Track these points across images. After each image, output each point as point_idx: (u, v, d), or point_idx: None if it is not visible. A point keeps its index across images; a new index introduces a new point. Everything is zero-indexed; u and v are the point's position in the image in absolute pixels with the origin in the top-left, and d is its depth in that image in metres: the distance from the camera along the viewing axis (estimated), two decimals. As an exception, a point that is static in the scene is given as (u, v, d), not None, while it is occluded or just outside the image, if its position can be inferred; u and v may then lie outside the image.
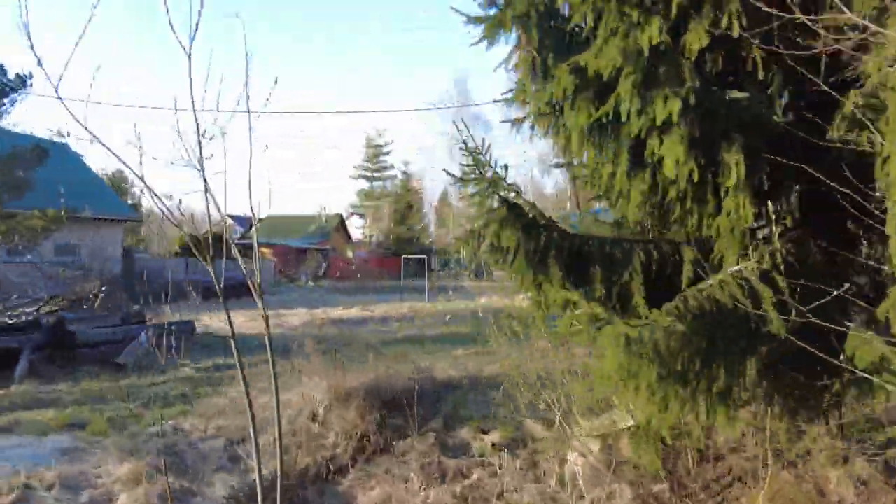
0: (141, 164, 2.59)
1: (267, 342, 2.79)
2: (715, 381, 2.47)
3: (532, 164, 46.39)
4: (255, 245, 2.83)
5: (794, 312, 2.63)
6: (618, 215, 4.21)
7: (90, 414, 5.70)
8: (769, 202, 2.81)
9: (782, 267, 2.76)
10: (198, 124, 2.66)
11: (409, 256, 32.83)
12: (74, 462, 4.28)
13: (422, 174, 51.76)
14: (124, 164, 2.55)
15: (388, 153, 49.51)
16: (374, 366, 5.84)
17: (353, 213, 52.68)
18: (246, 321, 13.23)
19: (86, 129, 2.50)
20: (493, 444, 4.73)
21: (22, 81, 8.52)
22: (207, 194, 2.70)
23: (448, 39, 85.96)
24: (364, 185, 51.18)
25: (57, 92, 2.43)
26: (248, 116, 2.82)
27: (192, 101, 2.62)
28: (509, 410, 5.90)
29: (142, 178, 2.60)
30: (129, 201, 29.93)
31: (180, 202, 2.88)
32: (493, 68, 3.19)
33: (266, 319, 2.76)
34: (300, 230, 41.08)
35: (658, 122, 2.50)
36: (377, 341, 10.42)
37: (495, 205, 3.06)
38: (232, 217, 56.75)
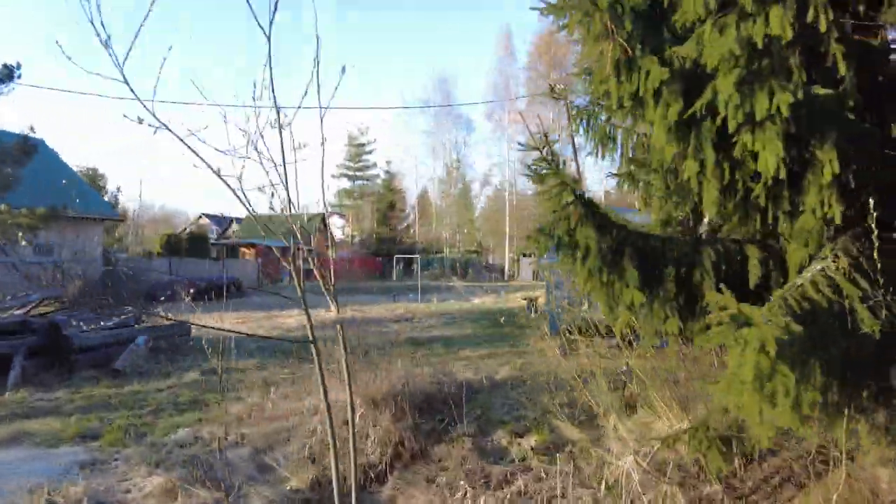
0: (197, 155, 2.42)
1: (341, 339, 2.63)
2: (814, 384, 2.40)
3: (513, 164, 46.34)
4: (329, 238, 2.65)
5: (883, 311, 2.59)
6: (659, 216, 4.17)
7: (98, 423, 5.42)
8: (854, 200, 2.76)
9: (867, 266, 2.72)
10: (278, 112, 2.50)
11: (401, 256, 32.58)
12: (97, 475, 4.02)
13: (403, 173, 51.57)
14: (196, 154, 2.36)
15: (370, 152, 49.12)
16: (400, 369, 5.66)
17: (332, 213, 52.12)
18: (238, 322, 12.92)
19: (153, 115, 2.32)
20: (532, 449, 4.62)
21: (9, 73, 8.05)
22: (285, 187, 2.54)
23: (429, 39, 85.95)
24: (346, 183, 50.68)
25: (123, 76, 2.24)
26: (319, 108, 2.66)
27: (272, 87, 2.46)
28: (537, 412, 5.85)
29: (217, 172, 2.42)
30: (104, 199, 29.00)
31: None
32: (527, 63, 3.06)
33: (336, 309, 2.60)
34: (277, 230, 40.37)
35: (758, 118, 2.42)
36: (380, 343, 10.24)
37: (570, 201, 2.94)
38: (208, 216, 55.75)
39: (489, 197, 50.75)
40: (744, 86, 2.32)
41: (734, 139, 2.69)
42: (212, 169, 2.35)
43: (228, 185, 2.39)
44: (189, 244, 24.78)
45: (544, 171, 3.00)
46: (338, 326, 2.64)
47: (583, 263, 3.01)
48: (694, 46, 2.41)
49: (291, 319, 13.63)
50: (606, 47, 2.65)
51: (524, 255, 40.63)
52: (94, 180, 30.67)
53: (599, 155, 4.68)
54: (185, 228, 47.83)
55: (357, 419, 4.63)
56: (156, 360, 8.42)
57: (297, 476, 4.17)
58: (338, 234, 49.04)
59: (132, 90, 2.23)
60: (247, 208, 2.49)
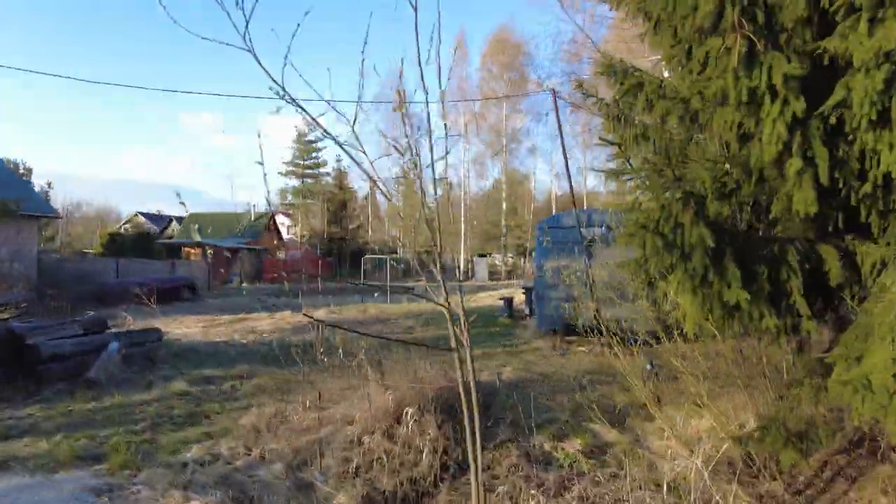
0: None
1: (453, 336, 2.40)
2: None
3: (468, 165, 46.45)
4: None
5: None
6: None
7: (90, 442, 4.86)
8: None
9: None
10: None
11: (372, 257, 31.96)
12: (120, 504, 3.57)
13: (354, 172, 50.65)
14: (340, 150, 2.07)
15: (320, 149, 47.89)
16: (431, 370, 5.41)
17: (279, 212, 50.45)
18: (207, 327, 12.17)
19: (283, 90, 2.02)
20: (581, 452, 4.52)
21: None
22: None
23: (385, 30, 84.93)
24: (295, 182, 49.13)
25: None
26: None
27: (419, 59, 2.24)
28: (566, 414, 5.77)
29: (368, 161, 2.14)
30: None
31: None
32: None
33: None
34: (226, 229, 38.72)
35: (894, 116, 2.40)
36: (371, 346, 9.88)
37: (678, 197, 2.84)
38: (144, 215, 52.66)
39: (443, 197, 50.77)
40: (891, 84, 2.29)
41: (850, 137, 2.68)
42: (342, 146, 2.07)
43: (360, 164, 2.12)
44: (133, 243, 23.18)
45: (644, 168, 2.88)
46: (453, 325, 2.40)
47: (685, 262, 2.92)
48: (839, 41, 2.37)
49: (264, 322, 12.98)
50: (731, 41, 2.56)
51: (480, 256, 40.90)
52: (19, 174, 28.13)
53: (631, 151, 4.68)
54: (120, 227, 44.98)
55: (410, 427, 4.38)
56: (130, 368, 7.74)
57: (345, 492, 3.88)
58: (286, 234, 47.51)
59: (260, 63, 1.93)
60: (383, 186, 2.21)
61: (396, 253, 48.99)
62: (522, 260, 45.00)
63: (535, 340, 9.82)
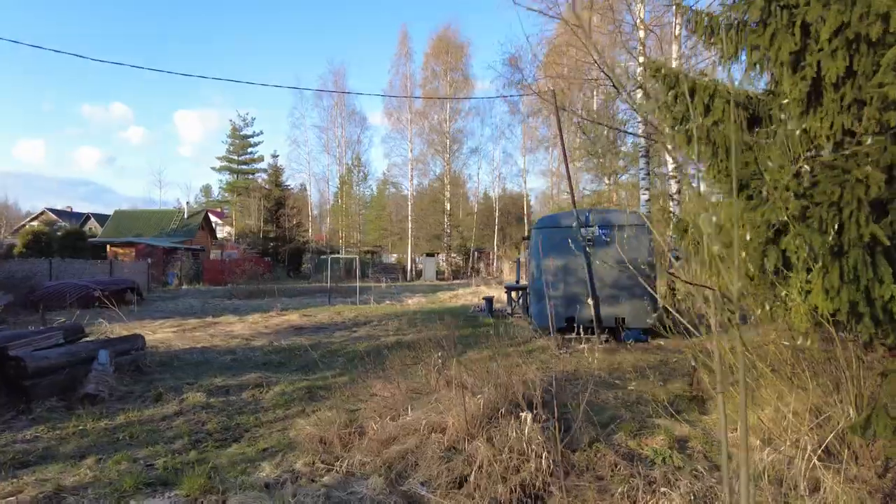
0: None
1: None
2: None
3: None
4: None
5: None
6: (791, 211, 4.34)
7: (132, 465, 4.31)
8: None
9: None
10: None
11: (338, 257, 30.90)
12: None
13: (295, 169, 48.90)
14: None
15: (256, 144, 45.76)
16: (497, 370, 5.26)
17: (213, 210, 47.70)
18: (178, 332, 11.25)
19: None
20: (670, 448, 4.55)
21: None
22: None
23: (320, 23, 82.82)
24: (229, 178, 46.60)
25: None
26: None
27: None
28: (624, 411, 5.80)
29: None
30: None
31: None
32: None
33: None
34: (156, 227, 36.17)
35: None
36: (370, 348, 9.53)
37: (852, 196, 2.91)
38: (53, 211, 48.07)
39: (389, 196, 50.14)
40: None
41: None
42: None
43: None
44: (61, 242, 21.06)
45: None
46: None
47: (839, 259, 2.99)
48: None
49: (237, 326, 12.17)
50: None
51: (428, 255, 40.74)
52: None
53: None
54: (24, 224, 40.69)
55: (509, 430, 4.21)
56: (122, 379, 6.99)
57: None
58: (220, 233, 45.03)
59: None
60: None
61: (338, 253, 47.93)
62: (468, 260, 45.38)
63: (535, 339, 9.86)
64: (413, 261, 42.76)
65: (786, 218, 3.55)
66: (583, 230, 9.92)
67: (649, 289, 8.89)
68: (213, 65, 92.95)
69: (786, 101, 4.20)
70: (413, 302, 18.10)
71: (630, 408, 5.78)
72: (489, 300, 14.05)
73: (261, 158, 46.60)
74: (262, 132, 50.08)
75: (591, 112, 22.25)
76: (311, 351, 9.31)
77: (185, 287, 26.08)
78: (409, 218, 40.67)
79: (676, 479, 4.07)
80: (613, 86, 12.02)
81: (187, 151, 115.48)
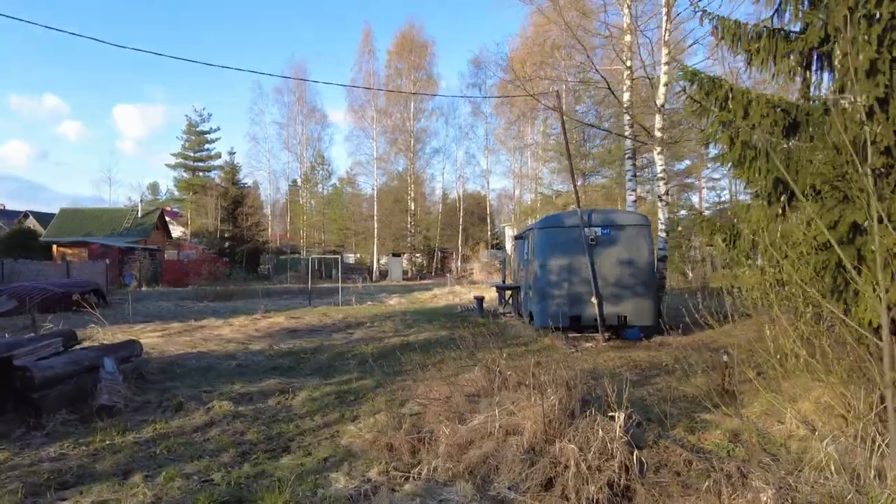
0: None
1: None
2: None
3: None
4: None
5: None
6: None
7: (187, 482, 4.02)
8: None
9: None
10: None
11: (320, 257, 30.03)
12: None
13: (254, 166, 47.35)
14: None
15: (213, 141, 44.05)
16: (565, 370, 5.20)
17: (167, 209, 45.59)
18: (164, 338, 10.65)
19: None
20: (731, 442, 4.65)
21: None
22: None
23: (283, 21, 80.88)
24: (184, 175, 44.60)
25: None
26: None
27: None
28: (671, 407, 5.87)
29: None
30: None
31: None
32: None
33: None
34: (107, 227, 34.26)
35: None
36: (377, 350, 9.32)
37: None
38: (-14, 208, 44.72)
39: (347, 195, 49.35)
40: None
41: None
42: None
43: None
44: (9, 242, 19.59)
45: None
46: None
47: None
48: None
49: (224, 330, 11.64)
50: None
51: (394, 255, 40.39)
52: None
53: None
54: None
55: (587, 428, 4.18)
56: (130, 389, 6.53)
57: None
58: (175, 232, 43.11)
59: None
60: None
61: (299, 253, 46.82)
62: (432, 260, 45.29)
63: (540, 339, 9.91)
64: (377, 261, 42.31)
65: (864, 219, 3.69)
66: (586, 230, 10.04)
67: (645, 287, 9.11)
68: (166, 61, 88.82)
69: (847, 106, 4.37)
70: (394, 302, 17.88)
71: (673, 403, 5.87)
72: (480, 300, 14.03)
73: (218, 155, 44.98)
74: (219, 128, 48.45)
75: (570, 113, 22.58)
76: (317, 354, 9.03)
77: (144, 289, 24.79)
78: (375, 217, 40.19)
79: (747, 472, 4.16)
80: (608, 88, 12.26)
81: (129, 148, 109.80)
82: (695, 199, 35.01)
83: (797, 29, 5.96)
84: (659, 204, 12.90)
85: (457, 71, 75.86)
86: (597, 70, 12.01)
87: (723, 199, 34.33)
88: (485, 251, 44.20)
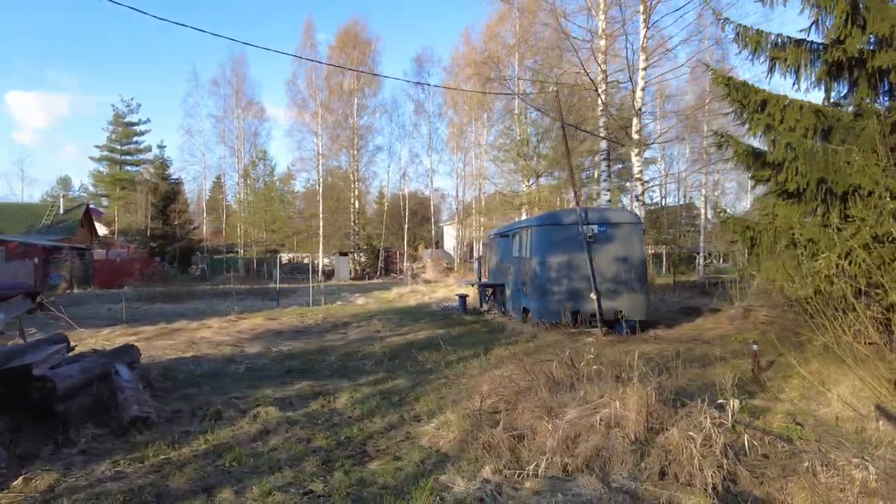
0: None
1: None
2: None
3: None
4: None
5: None
6: None
7: (286, 496, 3.72)
8: None
9: None
10: None
11: (236, 257, 28.29)
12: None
13: (188, 160, 44.55)
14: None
15: (142, 133, 40.96)
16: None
17: (88, 203, 41.90)
18: (142, 342, 9.79)
19: None
20: (797, 425, 4.91)
21: None
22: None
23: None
24: (108, 169, 41.10)
25: None
26: None
27: None
28: (720, 394, 6.10)
29: None
30: None
31: None
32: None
33: None
34: (23, 223, 31.11)
35: None
36: (387, 349, 9.04)
37: None
38: None
39: (286, 192, 47.62)
40: None
41: None
42: None
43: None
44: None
45: None
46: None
47: None
48: None
49: (205, 332, 10.88)
50: None
51: (342, 254, 39.38)
52: None
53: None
54: None
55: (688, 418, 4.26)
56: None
57: (687, 492, 3.66)
58: (99, 230, 39.79)
59: None
60: None
61: (236, 252, 44.62)
62: (377, 259, 44.64)
63: (542, 335, 10.01)
64: (322, 260, 41.17)
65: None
66: (584, 227, 10.27)
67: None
68: (96, 51, 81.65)
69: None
70: (362, 302, 17.47)
71: (710, 391, 6.12)
72: (463, 298, 14.00)
73: (149, 149, 41.90)
74: (149, 120, 44.84)
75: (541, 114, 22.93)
76: (323, 356, 8.64)
77: (76, 291, 22.67)
78: (321, 215, 39.05)
79: (828, 451, 4.42)
80: (595, 89, 12.63)
81: (26, 139, 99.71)
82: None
83: (819, 40, 6.36)
84: (636, 204, 13.43)
85: (401, 70, 74.62)
86: (586, 73, 12.33)
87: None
88: (426, 250, 44.22)
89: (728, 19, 7.02)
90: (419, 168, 79.07)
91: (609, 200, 14.07)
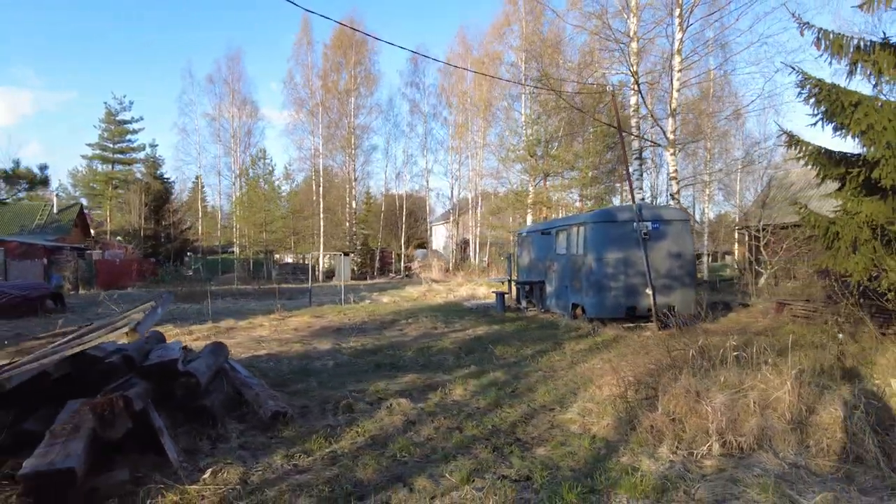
0: None
1: None
2: None
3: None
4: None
5: None
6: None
7: (479, 481, 3.79)
8: None
9: None
10: None
11: (255, 259, 28.01)
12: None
13: (183, 160, 43.76)
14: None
15: (136, 131, 40.07)
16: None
17: (78, 203, 40.87)
18: (199, 341, 9.70)
19: None
20: None
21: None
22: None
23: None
24: (104, 168, 40.14)
25: None
26: None
27: None
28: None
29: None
30: None
31: None
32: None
33: None
34: (15, 223, 30.22)
35: None
36: (457, 344, 9.11)
37: None
38: None
39: (283, 192, 47.11)
40: None
41: None
42: None
43: None
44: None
45: None
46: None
47: None
48: None
49: (261, 331, 10.78)
50: None
51: (344, 254, 39.13)
52: None
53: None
54: None
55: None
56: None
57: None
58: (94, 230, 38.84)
59: None
60: None
61: (231, 252, 44.00)
62: (373, 259, 44.49)
63: (601, 331, 10.18)
64: (322, 260, 40.90)
65: None
66: (638, 224, 10.48)
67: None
68: (85, 50, 79.21)
69: None
70: (388, 300, 17.48)
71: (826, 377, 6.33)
72: (501, 295, 14.11)
73: (142, 147, 41.02)
74: (142, 118, 43.67)
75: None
76: (398, 351, 8.67)
77: (82, 292, 22.17)
78: (321, 215, 38.78)
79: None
80: (638, 89, 12.88)
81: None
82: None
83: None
84: (671, 203, 13.72)
85: (397, 69, 74.26)
86: (633, 74, 12.57)
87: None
88: (417, 250, 44.26)
89: (809, 23, 7.29)
90: (413, 168, 78.98)
91: (642, 199, 14.34)
